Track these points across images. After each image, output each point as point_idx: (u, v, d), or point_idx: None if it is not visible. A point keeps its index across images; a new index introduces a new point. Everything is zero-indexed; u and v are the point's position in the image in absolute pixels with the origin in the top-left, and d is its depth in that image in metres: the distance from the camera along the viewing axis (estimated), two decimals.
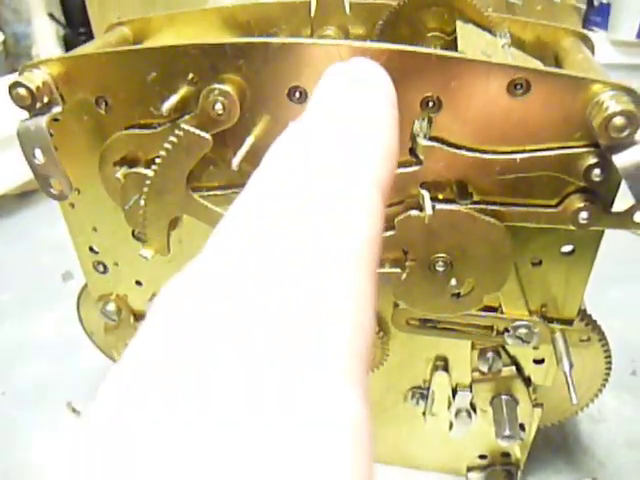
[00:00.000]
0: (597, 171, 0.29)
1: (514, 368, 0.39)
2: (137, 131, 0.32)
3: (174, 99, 0.30)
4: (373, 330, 0.14)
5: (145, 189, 0.32)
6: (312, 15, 0.37)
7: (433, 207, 0.29)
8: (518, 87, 0.27)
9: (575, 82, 0.26)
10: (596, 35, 0.81)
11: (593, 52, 0.35)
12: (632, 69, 0.80)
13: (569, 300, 0.35)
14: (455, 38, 0.34)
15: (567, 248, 0.32)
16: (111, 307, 0.42)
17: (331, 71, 0.21)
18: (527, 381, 0.40)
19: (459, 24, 0.33)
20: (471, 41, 0.31)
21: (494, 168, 0.29)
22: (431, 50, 0.27)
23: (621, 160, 0.26)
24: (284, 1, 0.37)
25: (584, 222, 0.30)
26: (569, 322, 0.36)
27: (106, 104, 0.32)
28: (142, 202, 0.32)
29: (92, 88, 0.30)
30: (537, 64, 0.31)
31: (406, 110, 0.29)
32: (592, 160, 0.28)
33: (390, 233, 0.31)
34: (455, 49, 0.34)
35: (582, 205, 0.29)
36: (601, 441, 0.50)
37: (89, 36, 1.01)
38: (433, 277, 0.33)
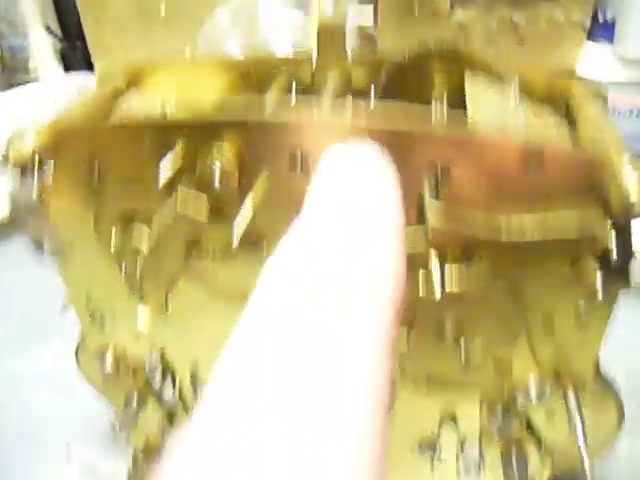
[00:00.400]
0: (613, 237, 0.27)
1: (524, 421, 0.38)
2: (133, 190, 0.31)
3: (169, 172, 0.28)
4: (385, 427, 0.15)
5: (142, 251, 0.31)
6: (313, 65, 0.36)
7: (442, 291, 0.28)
8: (532, 161, 0.26)
9: (591, 156, 0.25)
10: (601, 50, 0.80)
11: (606, 104, 0.34)
12: (638, 86, 0.78)
13: (583, 357, 0.34)
14: (463, 85, 0.33)
15: (582, 303, 0.31)
16: (109, 359, 0.41)
17: (330, 156, 0.21)
18: (538, 434, 0.39)
19: (468, 79, 0.32)
20: (481, 102, 0.30)
21: (505, 232, 0.28)
22: (438, 126, 0.25)
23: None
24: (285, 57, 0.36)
25: (598, 285, 0.28)
26: (582, 379, 0.35)
27: (99, 170, 0.31)
28: (139, 264, 0.31)
29: (82, 157, 0.29)
30: (550, 125, 0.30)
31: (412, 179, 0.28)
32: (608, 227, 0.27)
33: None
34: (463, 100, 0.33)
35: (596, 269, 0.28)
36: None
37: (85, 50, 0.99)
38: (440, 340, 0.31)
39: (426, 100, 0.34)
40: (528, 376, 0.34)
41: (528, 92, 0.33)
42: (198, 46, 0.76)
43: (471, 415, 0.38)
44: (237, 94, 0.38)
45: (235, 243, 0.28)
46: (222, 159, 0.28)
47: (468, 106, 0.31)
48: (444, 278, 0.28)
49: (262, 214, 0.29)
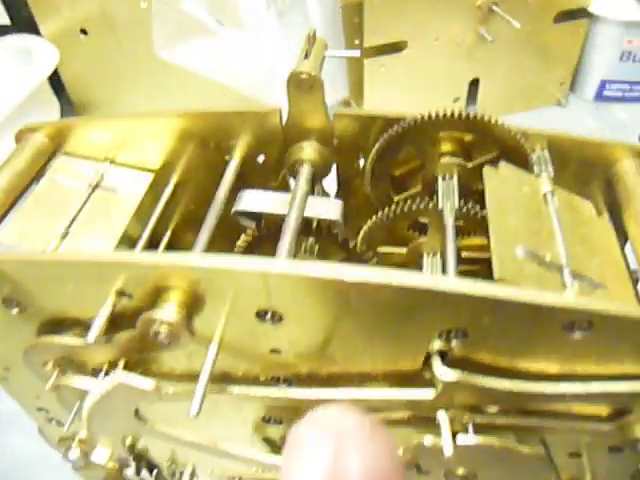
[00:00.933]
0: None
1: None
2: (64, 340, 0.24)
3: (101, 321, 0.22)
4: None
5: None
6: (284, 124, 0.28)
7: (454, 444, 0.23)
8: (575, 327, 0.19)
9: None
10: None
11: None
12: None
13: None
14: (480, 168, 0.26)
15: (613, 445, 0.27)
16: (75, 454, 0.36)
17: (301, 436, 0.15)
18: None
19: (487, 173, 0.24)
20: (503, 205, 0.23)
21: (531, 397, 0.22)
22: (457, 287, 0.19)
23: None
24: (244, 111, 0.27)
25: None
26: None
27: (18, 305, 0.24)
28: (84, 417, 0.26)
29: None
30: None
31: (422, 342, 0.22)
32: None
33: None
34: (478, 182, 0.25)
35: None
36: None
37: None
38: None
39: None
40: None
41: (561, 163, 0.26)
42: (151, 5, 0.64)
43: None
44: (191, 153, 0.30)
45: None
46: (166, 321, 0.21)
47: (487, 204, 0.24)
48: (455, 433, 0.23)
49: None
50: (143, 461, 0.37)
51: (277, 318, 0.22)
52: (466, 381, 0.22)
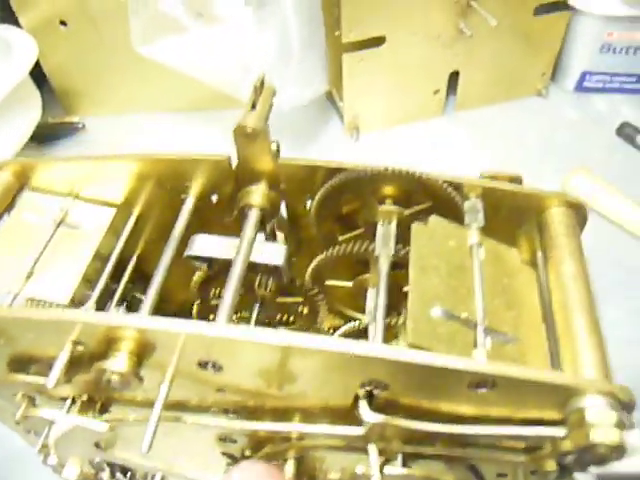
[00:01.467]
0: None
1: None
2: (29, 379, 0.27)
3: (59, 368, 0.24)
4: None
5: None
6: (235, 167, 0.29)
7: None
8: (481, 385, 0.22)
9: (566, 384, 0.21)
10: None
11: (584, 223, 0.28)
12: (636, 21, 0.69)
13: None
14: (418, 214, 0.27)
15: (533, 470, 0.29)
16: (53, 460, 0.39)
17: None
18: None
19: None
20: (426, 262, 0.24)
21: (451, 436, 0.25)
22: (371, 351, 0.21)
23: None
24: (197, 158, 0.29)
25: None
26: None
27: None
28: None
29: None
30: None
31: (347, 389, 0.24)
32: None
33: None
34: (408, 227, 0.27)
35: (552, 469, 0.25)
36: None
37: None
38: None
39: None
40: None
41: (493, 210, 0.28)
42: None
43: None
44: (149, 192, 0.32)
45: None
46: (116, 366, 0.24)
47: (410, 269, 0.25)
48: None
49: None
50: (117, 465, 0.40)
51: (217, 367, 0.24)
52: (390, 423, 0.24)
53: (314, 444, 0.28)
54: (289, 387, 0.25)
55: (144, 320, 0.23)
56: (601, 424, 0.20)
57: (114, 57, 0.73)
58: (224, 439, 0.31)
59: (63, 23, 0.72)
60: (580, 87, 0.78)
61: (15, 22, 0.72)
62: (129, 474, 0.40)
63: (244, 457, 0.31)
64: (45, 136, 0.76)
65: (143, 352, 0.24)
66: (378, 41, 0.68)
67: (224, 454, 0.33)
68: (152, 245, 0.33)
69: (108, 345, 0.24)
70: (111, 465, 0.40)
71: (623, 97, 0.77)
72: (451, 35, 0.69)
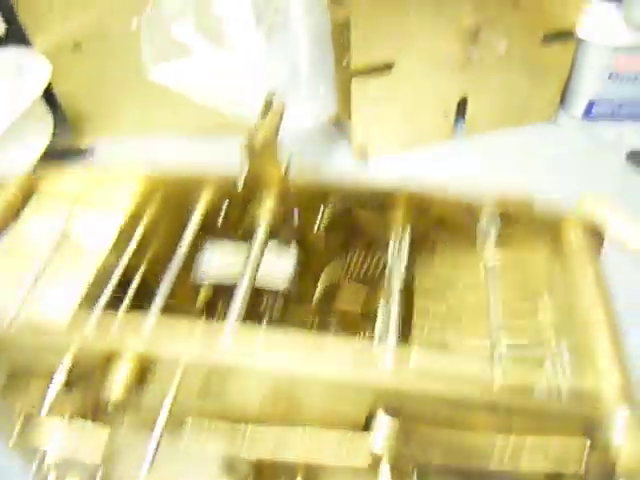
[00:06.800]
0: None
1: None
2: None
3: (53, 394, 0.23)
4: None
5: None
6: (243, 181, 0.29)
7: None
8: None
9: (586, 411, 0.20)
10: (609, 12, 0.69)
11: (601, 247, 0.27)
12: None
13: None
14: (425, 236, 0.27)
15: None
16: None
17: None
18: None
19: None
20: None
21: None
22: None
23: None
24: (203, 177, 0.28)
25: None
26: None
27: None
28: None
29: None
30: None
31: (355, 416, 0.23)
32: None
33: None
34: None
35: None
36: None
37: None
38: None
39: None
40: None
41: (509, 229, 0.27)
42: (141, 26, 0.65)
43: None
44: (156, 206, 0.31)
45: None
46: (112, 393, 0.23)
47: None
48: None
49: None
50: None
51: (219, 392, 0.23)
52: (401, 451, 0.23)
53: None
54: (294, 410, 0.24)
55: (142, 342, 0.22)
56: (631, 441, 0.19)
57: (126, 81, 0.74)
58: (228, 468, 0.30)
59: (77, 46, 0.73)
60: (589, 114, 0.78)
61: (27, 42, 0.73)
62: None
63: None
64: (54, 157, 0.77)
65: (142, 373, 0.23)
66: (387, 67, 0.68)
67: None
68: (157, 262, 0.32)
69: (107, 364, 0.23)
70: None
71: (631, 124, 0.77)
72: (460, 62, 0.69)
